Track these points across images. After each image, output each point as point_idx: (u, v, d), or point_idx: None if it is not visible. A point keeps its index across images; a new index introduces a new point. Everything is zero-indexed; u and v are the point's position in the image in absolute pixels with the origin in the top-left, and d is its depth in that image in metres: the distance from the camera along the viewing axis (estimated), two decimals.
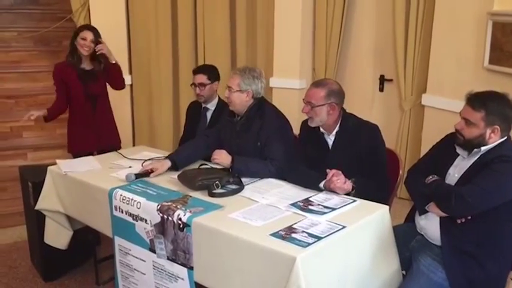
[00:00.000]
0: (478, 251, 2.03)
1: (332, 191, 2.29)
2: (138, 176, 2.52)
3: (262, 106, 2.74)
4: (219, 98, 3.31)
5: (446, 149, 2.21)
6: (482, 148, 2.04)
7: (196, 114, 3.36)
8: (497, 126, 2.00)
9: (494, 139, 2.03)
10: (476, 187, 1.95)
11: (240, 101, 2.70)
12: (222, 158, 2.61)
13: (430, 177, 2.12)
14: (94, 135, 3.37)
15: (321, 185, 2.33)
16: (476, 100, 2.03)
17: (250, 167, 2.56)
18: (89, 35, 3.23)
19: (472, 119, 2.02)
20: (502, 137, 2.04)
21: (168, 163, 2.63)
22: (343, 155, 2.44)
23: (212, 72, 3.27)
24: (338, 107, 2.44)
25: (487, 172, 1.97)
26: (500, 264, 2.05)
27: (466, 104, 2.07)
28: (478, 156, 2.06)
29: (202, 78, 3.22)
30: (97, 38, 3.27)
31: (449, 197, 1.98)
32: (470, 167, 2.07)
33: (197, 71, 3.29)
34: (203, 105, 3.30)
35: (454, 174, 2.13)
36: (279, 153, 2.59)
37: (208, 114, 3.30)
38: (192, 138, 3.22)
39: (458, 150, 2.14)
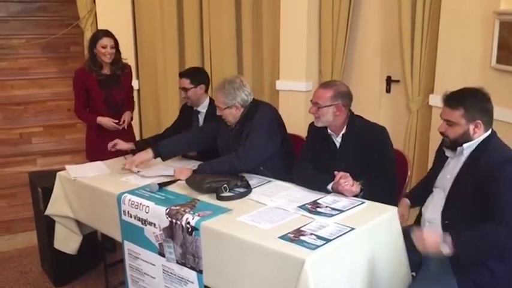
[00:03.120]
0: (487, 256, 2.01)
1: (340, 193, 2.29)
2: (162, 185, 2.51)
3: (254, 109, 2.70)
4: (210, 98, 3.23)
5: (439, 153, 2.25)
6: (465, 145, 2.05)
7: (189, 115, 3.28)
8: (479, 120, 2.02)
9: (479, 133, 2.04)
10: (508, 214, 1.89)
11: (233, 116, 2.70)
12: (181, 176, 2.58)
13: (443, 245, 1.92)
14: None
15: (329, 187, 2.32)
16: (452, 99, 2.05)
17: (214, 167, 2.56)
18: (108, 42, 3.23)
19: (453, 119, 2.04)
20: (486, 130, 2.05)
21: (150, 154, 2.75)
22: (350, 157, 2.43)
23: (196, 76, 3.14)
24: (345, 108, 2.44)
25: (504, 190, 1.90)
26: (510, 268, 2.03)
27: (443, 105, 2.09)
28: (466, 156, 2.07)
29: (185, 82, 3.12)
30: (116, 43, 3.27)
31: (500, 238, 1.90)
32: (461, 168, 2.08)
33: (181, 74, 3.20)
34: (194, 108, 3.23)
35: (446, 175, 2.15)
36: (243, 146, 2.58)
37: (200, 117, 3.23)
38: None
39: (447, 152, 2.16)
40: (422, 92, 3.97)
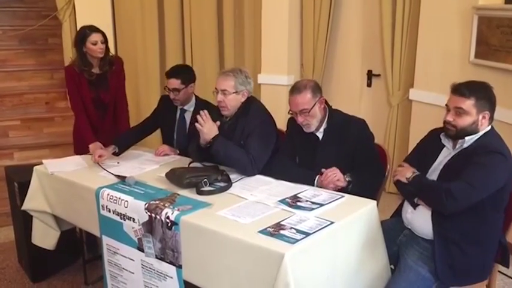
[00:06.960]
0: (462, 238, 2.05)
1: (325, 188, 2.30)
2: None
3: (249, 104, 2.70)
4: (196, 96, 3.13)
5: (431, 144, 2.23)
6: (467, 138, 2.06)
7: (170, 111, 3.14)
8: (487, 112, 2.04)
9: (485, 125, 2.06)
10: (464, 184, 1.95)
11: (236, 103, 2.64)
12: (206, 127, 2.54)
13: (410, 173, 2.13)
14: (101, 141, 3.10)
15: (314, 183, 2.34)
16: (464, 89, 2.05)
17: (229, 150, 2.52)
18: (98, 37, 3.06)
19: (465, 107, 2.03)
20: (489, 124, 2.08)
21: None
22: (332, 150, 2.44)
23: (185, 75, 3.00)
24: (323, 98, 2.46)
25: (474, 166, 1.98)
26: (483, 252, 2.08)
27: (455, 94, 2.07)
28: (462, 147, 2.08)
29: (175, 83, 2.96)
30: (105, 37, 3.11)
31: (439, 195, 1.97)
32: (453, 156, 2.10)
33: (169, 75, 3.02)
34: (179, 107, 3.10)
35: (438, 167, 2.15)
36: (255, 150, 2.55)
37: (187, 116, 3.10)
38: (151, 130, 3.24)
39: (445, 141, 2.16)
40: (403, 87, 4.01)
